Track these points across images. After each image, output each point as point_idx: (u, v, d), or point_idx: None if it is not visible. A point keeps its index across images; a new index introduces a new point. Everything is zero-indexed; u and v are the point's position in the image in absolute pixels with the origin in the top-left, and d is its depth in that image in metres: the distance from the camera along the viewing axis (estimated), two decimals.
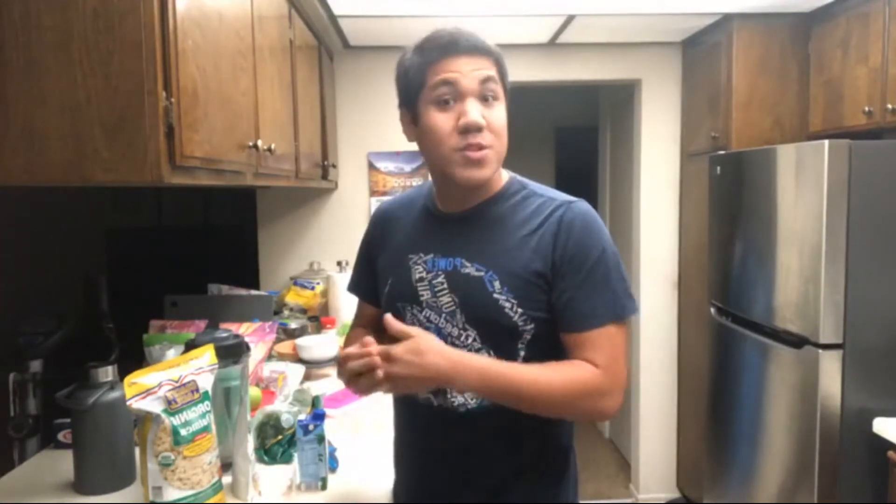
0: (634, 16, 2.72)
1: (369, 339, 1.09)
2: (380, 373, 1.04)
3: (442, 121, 1.10)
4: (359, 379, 1.06)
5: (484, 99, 1.10)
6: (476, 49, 1.10)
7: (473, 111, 1.08)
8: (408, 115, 1.18)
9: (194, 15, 1.19)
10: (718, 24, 2.81)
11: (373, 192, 3.19)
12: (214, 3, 1.31)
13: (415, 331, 1.07)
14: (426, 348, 1.05)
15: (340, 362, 1.10)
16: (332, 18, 2.57)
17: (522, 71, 3.12)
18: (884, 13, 2.22)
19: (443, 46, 1.10)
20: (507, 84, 1.16)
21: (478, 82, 1.09)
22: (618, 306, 1.12)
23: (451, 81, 1.09)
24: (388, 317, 1.10)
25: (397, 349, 1.04)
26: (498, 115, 1.12)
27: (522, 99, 4.35)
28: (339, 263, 2.98)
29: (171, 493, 1.18)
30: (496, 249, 1.14)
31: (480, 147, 1.09)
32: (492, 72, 1.11)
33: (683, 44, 3.19)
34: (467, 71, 1.09)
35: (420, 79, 1.12)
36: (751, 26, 2.70)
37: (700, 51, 3.04)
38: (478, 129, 1.09)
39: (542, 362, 1.13)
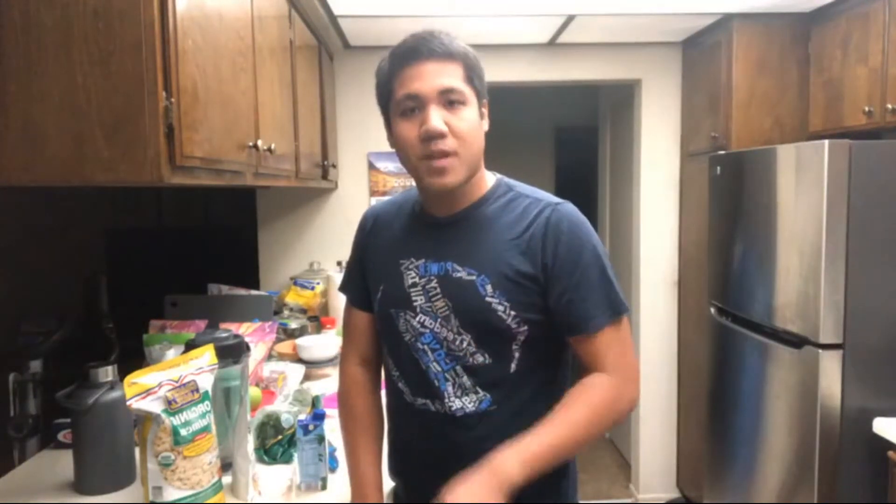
0: (634, 16, 2.71)
1: None
2: None
3: (407, 130, 1.11)
4: None
5: (449, 104, 1.09)
6: (439, 54, 1.09)
7: (434, 118, 1.07)
8: (386, 123, 1.19)
9: (194, 15, 1.19)
10: (718, 24, 2.81)
11: (373, 192, 3.19)
12: (214, 3, 1.31)
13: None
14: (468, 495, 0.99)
15: None
16: (332, 18, 2.57)
17: (522, 71, 3.09)
18: (884, 13, 2.22)
19: (406, 53, 1.10)
20: (479, 85, 1.14)
21: (439, 90, 1.08)
22: (615, 303, 1.13)
23: (413, 92, 1.08)
24: None
25: None
26: (464, 119, 1.10)
27: (522, 99, 4.38)
28: (339, 263, 2.98)
29: (171, 493, 1.18)
30: (486, 252, 1.14)
31: (444, 154, 1.08)
32: (455, 77, 1.09)
33: (683, 44, 3.18)
34: (428, 78, 1.08)
35: (389, 88, 1.13)
36: (751, 26, 2.70)
37: (700, 51, 3.03)
38: (439, 135, 1.07)
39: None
